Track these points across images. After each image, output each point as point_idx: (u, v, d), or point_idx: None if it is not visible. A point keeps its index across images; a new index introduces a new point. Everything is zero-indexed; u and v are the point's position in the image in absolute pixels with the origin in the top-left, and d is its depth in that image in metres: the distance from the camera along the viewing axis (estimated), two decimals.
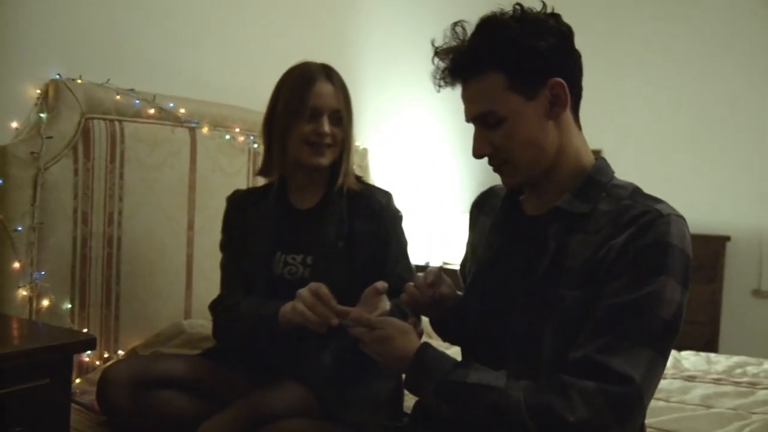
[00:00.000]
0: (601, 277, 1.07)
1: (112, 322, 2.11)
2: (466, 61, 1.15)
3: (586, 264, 1.09)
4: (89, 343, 1.38)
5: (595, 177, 1.17)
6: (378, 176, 3.34)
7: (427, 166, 3.60)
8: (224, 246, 1.81)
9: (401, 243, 1.78)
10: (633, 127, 4.04)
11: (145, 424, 1.55)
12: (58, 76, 1.97)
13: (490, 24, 1.14)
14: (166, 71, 2.32)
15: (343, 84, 1.76)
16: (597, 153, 1.22)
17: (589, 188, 1.16)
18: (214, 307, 1.74)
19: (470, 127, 1.21)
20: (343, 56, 3.17)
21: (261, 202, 1.78)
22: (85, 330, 2.02)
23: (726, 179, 3.86)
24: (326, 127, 1.68)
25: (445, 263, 3.52)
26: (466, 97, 1.19)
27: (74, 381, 1.95)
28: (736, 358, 2.54)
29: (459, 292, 1.38)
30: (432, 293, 1.30)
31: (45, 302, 1.91)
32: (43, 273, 1.90)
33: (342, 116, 1.72)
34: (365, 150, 3.20)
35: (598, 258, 1.08)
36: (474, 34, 1.15)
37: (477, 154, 1.19)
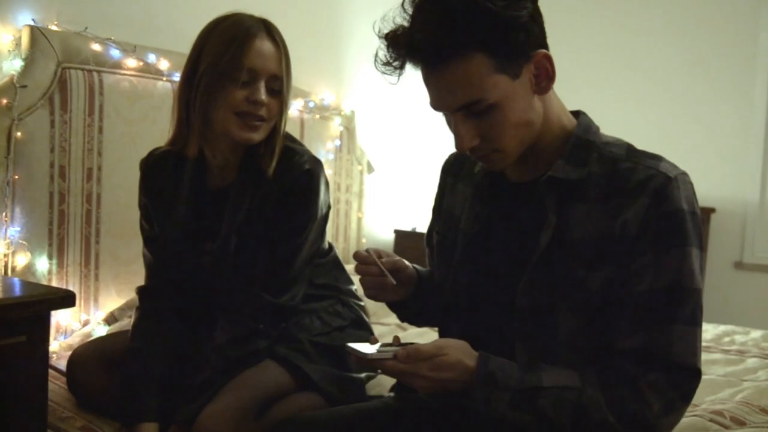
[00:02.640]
0: (623, 255, 1.02)
1: (92, 282, 2.03)
2: (439, 44, 0.97)
3: (602, 240, 1.03)
4: (68, 300, 1.30)
5: (584, 137, 1.09)
6: (365, 139, 3.27)
7: (415, 128, 3.53)
8: (142, 226, 1.62)
9: (300, 228, 1.50)
10: (616, 99, 4.01)
11: (117, 399, 1.49)
12: (32, 22, 1.86)
13: None
14: (148, 22, 2.22)
15: (285, 45, 1.48)
16: (575, 113, 1.16)
17: (579, 150, 1.08)
18: (141, 299, 1.59)
19: None
20: (329, 12, 3.08)
21: (175, 177, 1.53)
22: None
23: (711, 151, 3.85)
24: (262, 95, 1.41)
25: None
26: (442, 85, 1.02)
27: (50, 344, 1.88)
28: (723, 327, 2.53)
29: (413, 264, 1.30)
30: (381, 268, 1.18)
31: (21, 260, 1.83)
32: (18, 229, 1.82)
33: (281, 85, 1.45)
34: (352, 113, 3.12)
35: (615, 234, 1.02)
36: (440, 9, 0.97)
37: (465, 147, 1.05)
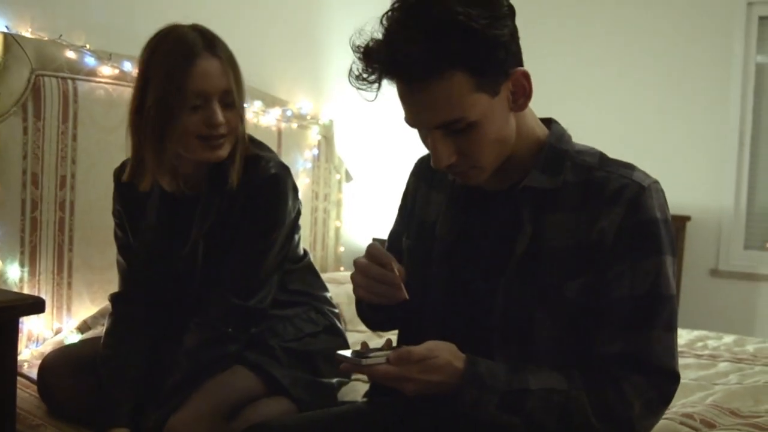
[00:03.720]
0: (599, 263, 1.04)
1: (64, 291, 2.02)
2: (420, 61, 0.95)
3: (578, 248, 1.05)
4: (37, 306, 1.30)
5: (557, 146, 1.11)
6: (343, 148, 3.28)
7: (394, 137, 3.54)
8: (116, 234, 1.62)
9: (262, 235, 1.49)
10: (591, 107, 4.03)
11: (89, 406, 1.48)
12: (5, 29, 1.86)
13: (439, 14, 0.95)
14: (124, 30, 2.21)
15: (230, 54, 1.44)
16: (546, 121, 1.18)
17: (553, 160, 1.09)
18: (114, 305, 1.58)
19: None
20: (307, 20, 3.09)
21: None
22: None
23: (686, 159, 3.89)
24: (219, 116, 1.38)
25: None
26: (420, 103, 1.00)
27: (19, 354, 1.86)
28: (696, 332, 2.56)
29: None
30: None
31: None
32: None
33: (234, 96, 1.41)
34: (331, 122, 3.13)
35: (591, 243, 1.05)
36: (422, 26, 0.95)
37: (443, 165, 1.04)
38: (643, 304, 1.04)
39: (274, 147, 2.76)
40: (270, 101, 2.74)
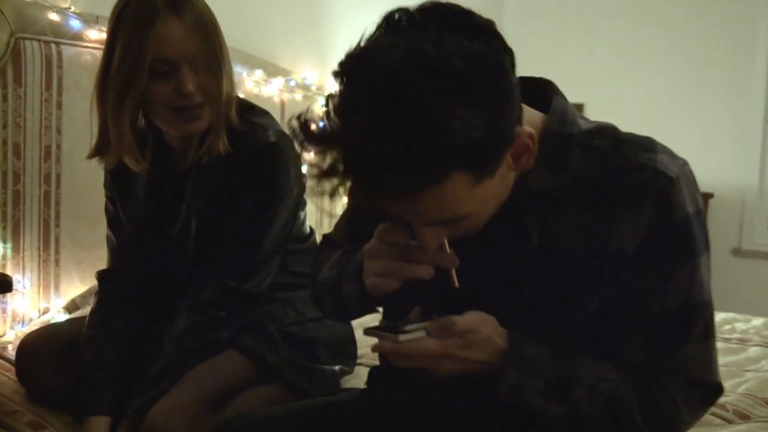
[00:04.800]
0: (623, 273, 0.89)
1: (51, 268, 1.91)
2: (401, 178, 0.74)
3: (596, 257, 0.89)
4: (2, 285, 1.18)
5: (559, 130, 0.89)
6: None
7: None
8: (107, 207, 1.51)
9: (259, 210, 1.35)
10: (615, 83, 3.92)
11: (70, 391, 1.38)
12: None
13: (423, 125, 0.71)
14: None
15: (200, 12, 1.28)
16: (580, 107, 1.00)
17: (557, 150, 0.88)
18: (101, 283, 1.48)
19: None
20: None
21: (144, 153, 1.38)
22: (20, 276, 1.82)
23: (710, 136, 3.76)
24: (189, 85, 1.25)
25: None
26: (406, 210, 0.81)
27: (2, 336, 1.77)
28: (723, 315, 2.42)
29: None
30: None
31: None
32: None
33: (209, 59, 1.28)
34: None
35: (611, 250, 0.88)
36: (397, 139, 0.71)
37: (432, 248, 0.85)
38: (676, 319, 0.90)
39: (276, 119, 2.65)
40: (272, 70, 2.60)
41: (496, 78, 0.75)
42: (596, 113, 4.25)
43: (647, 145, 0.91)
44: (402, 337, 0.83)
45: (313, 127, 0.76)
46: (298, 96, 2.75)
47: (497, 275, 0.91)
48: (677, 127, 3.72)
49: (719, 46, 3.74)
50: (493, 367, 0.87)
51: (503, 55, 0.77)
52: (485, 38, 0.75)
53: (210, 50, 1.28)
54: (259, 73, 2.52)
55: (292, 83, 2.71)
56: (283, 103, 2.66)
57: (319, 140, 0.75)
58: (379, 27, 0.79)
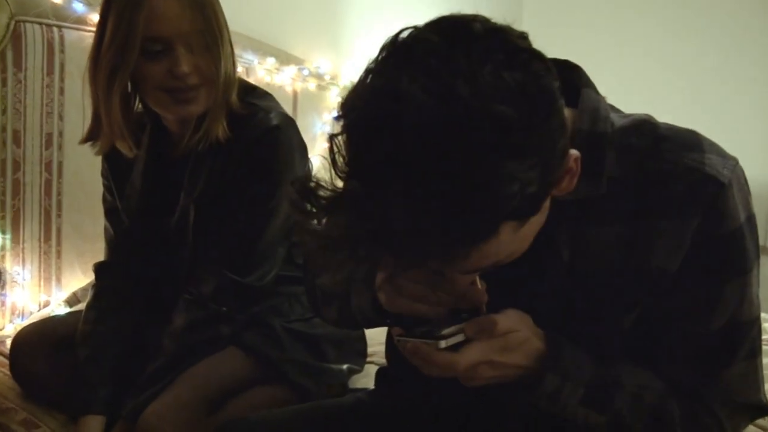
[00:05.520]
0: (665, 291, 0.79)
1: (53, 260, 1.85)
2: (445, 244, 0.63)
3: (634, 273, 0.79)
4: None
5: (591, 129, 0.78)
6: None
7: None
8: (104, 197, 1.47)
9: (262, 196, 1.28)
10: (637, 85, 3.80)
11: (65, 388, 1.32)
12: None
13: (474, 184, 0.59)
14: None
15: None
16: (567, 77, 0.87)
17: (590, 153, 0.75)
18: (98, 276, 1.43)
19: None
20: None
21: (135, 143, 1.31)
22: (19, 268, 1.77)
23: (736, 130, 3.63)
24: (183, 65, 1.17)
25: None
26: (443, 265, 0.69)
27: (1, 329, 1.71)
28: None
29: None
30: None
31: None
32: None
33: (207, 38, 1.20)
34: (352, 82, 2.91)
35: (652, 266, 0.78)
36: (439, 204, 0.59)
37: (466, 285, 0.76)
38: (722, 339, 0.81)
39: (288, 108, 2.56)
40: (284, 58, 2.53)
41: (547, 114, 0.63)
42: (624, 103, 4.18)
43: (692, 142, 0.79)
44: (443, 343, 0.73)
45: (323, 192, 0.63)
46: (312, 85, 2.67)
47: (526, 293, 0.81)
48: (703, 127, 3.61)
49: (744, 46, 3.63)
50: (531, 372, 0.78)
51: (548, 78, 0.64)
52: (524, 62, 0.62)
53: (207, 28, 1.20)
54: (271, 61, 2.45)
55: (305, 72, 2.64)
56: (295, 93, 2.59)
57: (333, 208, 0.62)
58: (389, 55, 0.64)
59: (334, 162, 0.64)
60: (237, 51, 2.19)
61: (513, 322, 0.77)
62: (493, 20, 0.66)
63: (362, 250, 0.62)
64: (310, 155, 2.62)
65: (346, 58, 2.94)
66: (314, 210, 0.64)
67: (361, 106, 0.62)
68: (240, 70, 2.26)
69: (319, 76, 2.71)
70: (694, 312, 0.80)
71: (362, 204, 0.60)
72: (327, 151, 0.64)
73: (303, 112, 2.63)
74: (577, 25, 3.91)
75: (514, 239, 0.67)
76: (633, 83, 3.75)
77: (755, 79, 3.61)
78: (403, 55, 0.62)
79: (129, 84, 1.24)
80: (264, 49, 2.41)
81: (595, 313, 0.81)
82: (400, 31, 0.65)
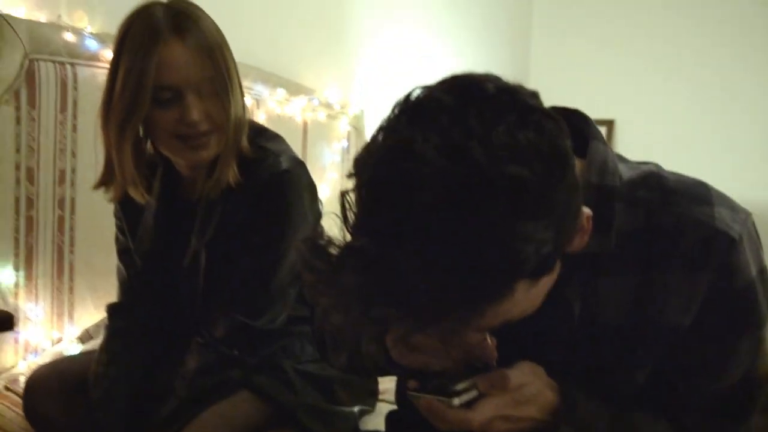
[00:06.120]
0: (677, 347, 0.78)
1: (65, 296, 1.85)
2: (458, 307, 0.63)
3: (644, 327, 0.78)
4: (4, 323, 1.11)
5: (601, 182, 0.78)
6: None
7: None
8: (117, 237, 1.46)
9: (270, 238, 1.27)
10: (646, 98, 3.80)
11: (78, 430, 1.32)
12: None
13: (488, 244, 0.59)
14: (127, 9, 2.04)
15: (206, 34, 1.20)
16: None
17: (599, 208, 0.74)
18: (110, 317, 1.42)
19: None
20: (335, 2, 2.88)
21: (147, 186, 1.32)
22: (32, 305, 1.77)
23: (743, 151, 3.62)
24: (194, 114, 1.17)
25: None
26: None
27: (13, 367, 1.71)
28: None
29: None
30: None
31: None
32: None
33: (217, 84, 1.20)
34: (362, 112, 2.92)
35: (663, 321, 0.77)
36: (455, 264, 0.59)
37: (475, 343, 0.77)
38: (738, 393, 0.80)
39: (299, 139, 2.58)
40: (294, 89, 2.54)
41: (561, 174, 0.62)
42: (627, 129, 4.18)
43: (701, 195, 0.79)
44: (457, 401, 0.73)
45: (334, 250, 0.62)
46: (321, 115, 2.68)
47: (537, 344, 0.80)
48: (710, 142, 3.60)
49: (751, 61, 3.62)
50: (545, 424, 0.77)
51: (560, 137, 0.64)
52: (536, 122, 0.62)
53: (217, 75, 1.20)
54: (281, 93, 2.46)
55: (315, 102, 2.65)
56: (305, 123, 2.59)
57: (344, 267, 0.61)
58: (401, 114, 0.64)
59: (345, 219, 0.64)
60: (247, 83, 2.23)
61: (525, 375, 0.77)
62: (504, 79, 0.66)
63: (375, 310, 0.61)
64: (320, 183, 2.66)
65: (355, 87, 2.95)
66: (325, 268, 0.63)
67: (374, 165, 0.62)
68: (251, 102, 2.28)
69: (328, 106, 2.72)
70: (709, 368, 0.79)
71: (375, 264, 0.60)
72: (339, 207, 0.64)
73: (313, 142, 2.63)
74: (583, 40, 3.92)
75: (527, 297, 0.67)
76: (637, 93, 3.75)
77: (759, 105, 3.60)
78: (416, 115, 0.63)
79: (141, 129, 1.24)
80: (274, 81, 2.42)
81: (608, 365, 0.80)
82: (413, 90, 0.65)
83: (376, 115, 3.04)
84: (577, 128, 0.79)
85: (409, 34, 3.15)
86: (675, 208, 0.78)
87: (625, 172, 0.81)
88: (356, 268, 0.60)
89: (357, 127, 2.90)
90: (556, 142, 0.63)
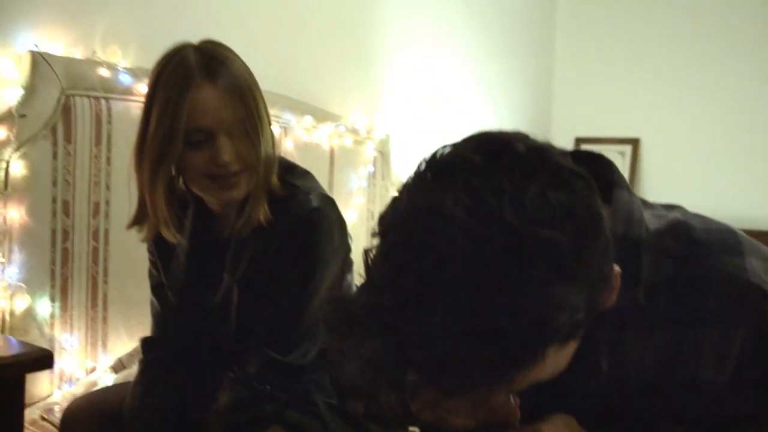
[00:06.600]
0: (713, 403, 0.76)
1: (99, 326, 1.88)
2: (486, 375, 0.60)
3: (676, 384, 0.76)
4: (43, 361, 1.14)
5: (628, 233, 0.75)
6: (399, 164, 3.08)
7: None
8: (150, 272, 1.47)
9: (293, 282, 1.28)
10: (671, 116, 3.77)
11: None
12: (34, 47, 1.73)
13: (516, 286, 0.57)
14: (160, 44, 2.07)
15: (236, 77, 1.22)
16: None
17: (626, 260, 0.72)
18: (144, 351, 1.43)
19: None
20: (361, 30, 2.91)
21: (179, 222, 1.32)
22: (68, 335, 1.80)
23: None
24: (225, 155, 1.19)
25: None
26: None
27: (49, 396, 1.73)
28: None
29: None
30: None
31: (20, 303, 1.68)
32: (17, 270, 1.68)
33: (247, 125, 1.21)
34: (387, 137, 2.94)
35: (696, 379, 0.75)
36: (483, 331, 0.57)
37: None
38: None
39: (326, 165, 2.61)
40: (321, 116, 2.57)
41: (595, 237, 0.61)
42: (653, 148, 4.15)
43: (731, 245, 0.76)
44: None
45: (359, 313, 0.59)
46: (348, 141, 2.70)
47: (563, 407, 0.79)
48: (736, 161, 3.56)
49: None
50: None
51: (592, 197, 0.62)
52: (568, 182, 0.61)
53: (248, 116, 1.22)
54: (308, 120, 2.49)
55: (342, 128, 2.67)
56: (332, 150, 2.62)
57: (370, 331, 0.58)
58: (429, 174, 0.62)
59: (370, 279, 0.61)
60: (276, 111, 2.25)
61: (558, 428, 0.75)
62: (533, 136, 0.65)
63: (401, 376, 0.59)
64: (346, 209, 2.66)
65: (381, 112, 2.98)
66: (349, 333, 0.60)
67: (401, 226, 0.60)
68: (279, 130, 2.31)
69: (354, 132, 2.75)
70: (749, 424, 0.77)
71: (402, 329, 0.57)
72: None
73: (340, 167, 2.65)
74: (608, 59, 3.91)
75: (556, 359, 0.65)
76: (663, 111, 3.72)
77: None
78: (445, 175, 0.61)
79: (173, 168, 1.26)
80: (301, 108, 2.45)
81: (642, 422, 0.78)
82: (439, 149, 0.64)
83: (401, 139, 3.06)
84: (600, 174, 0.77)
85: (432, 57, 3.17)
86: (705, 260, 0.75)
87: (651, 222, 0.78)
88: (382, 334, 0.58)
89: (383, 152, 2.92)
90: (588, 202, 0.61)
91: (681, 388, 0.76)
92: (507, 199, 0.57)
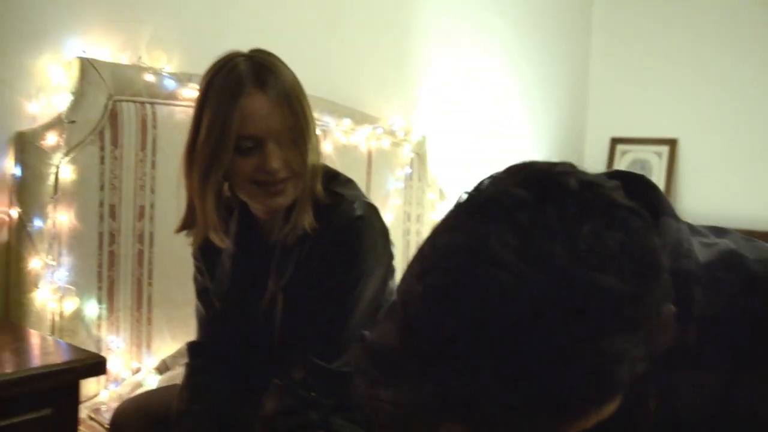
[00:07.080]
0: None
1: (144, 327, 1.91)
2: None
3: (742, 427, 0.71)
4: (96, 368, 1.17)
5: (677, 267, 0.69)
6: (436, 165, 3.08)
7: (488, 152, 3.30)
8: (195, 277, 1.49)
9: (349, 285, 1.28)
10: (712, 116, 3.70)
11: None
12: (82, 53, 1.77)
13: (572, 339, 0.52)
14: (204, 49, 2.09)
15: (285, 85, 1.24)
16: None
17: (678, 293, 0.63)
18: (191, 356, 1.44)
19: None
20: (398, 32, 2.91)
21: (225, 228, 1.34)
22: (114, 336, 1.83)
23: None
24: (274, 162, 1.21)
25: None
26: None
27: (96, 396, 1.77)
28: None
29: None
30: None
31: (68, 305, 1.72)
32: (66, 273, 1.72)
33: (295, 133, 1.23)
34: (424, 138, 2.94)
35: (760, 423, 0.70)
36: (536, 361, 0.52)
37: None
38: None
39: (363, 167, 2.61)
40: (360, 118, 2.57)
41: (654, 281, 0.56)
42: (691, 149, 4.08)
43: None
44: None
45: (389, 353, 0.56)
46: (385, 143, 2.70)
47: None
48: (760, 160, 3.48)
49: None
50: None
51: (648, 236, 0.57)
52: (623, 220, 0.56)
53: (296, 124, 1.24)
54: (347, 122, 2.50)
55: (379, 130, 2.67)
56: (370, 152, 2.62)
57: (406, 378, 0.54)
58: (470, 209, 0.57)
59: (405, 319, 0.56)
60: (316, 114, 2.24)
61: None
62: (581, 168, 0.59)
63: (438, 425, 0.55)
64: (384, 210, 2.67)
65: (418, 114, 2.97)
66: (383, 376, 0.56)
67: (442, 266, 0.55)
68: (318, 133, 2.33)
69: (392, 134, 2.75)
70: None
71: (445, 380, 0.53)
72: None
73: (377, 169, 2.66)
74: (645, 59, 3.86)
75: (609, 408, 0.60)
76: (701, 111, 3.66)
77: None
78: (488, 212, 0.56)
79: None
80: (340, 111, 2.46)
81: None
82: (481, 182, 0.59)
83: (437, 140, 3.06)
84: (643, 197, 0.69)
85: (468, 58, 3.15)
86: (763, 295, 0.70)
87: (702, 253, 0.73)
88: (420, 381, 0.53)
89: (420, 154, 2.92)
90: (645, 243, 0.56)
91: (738, 427, 0.72)
92: (558, 241, 0.52)
